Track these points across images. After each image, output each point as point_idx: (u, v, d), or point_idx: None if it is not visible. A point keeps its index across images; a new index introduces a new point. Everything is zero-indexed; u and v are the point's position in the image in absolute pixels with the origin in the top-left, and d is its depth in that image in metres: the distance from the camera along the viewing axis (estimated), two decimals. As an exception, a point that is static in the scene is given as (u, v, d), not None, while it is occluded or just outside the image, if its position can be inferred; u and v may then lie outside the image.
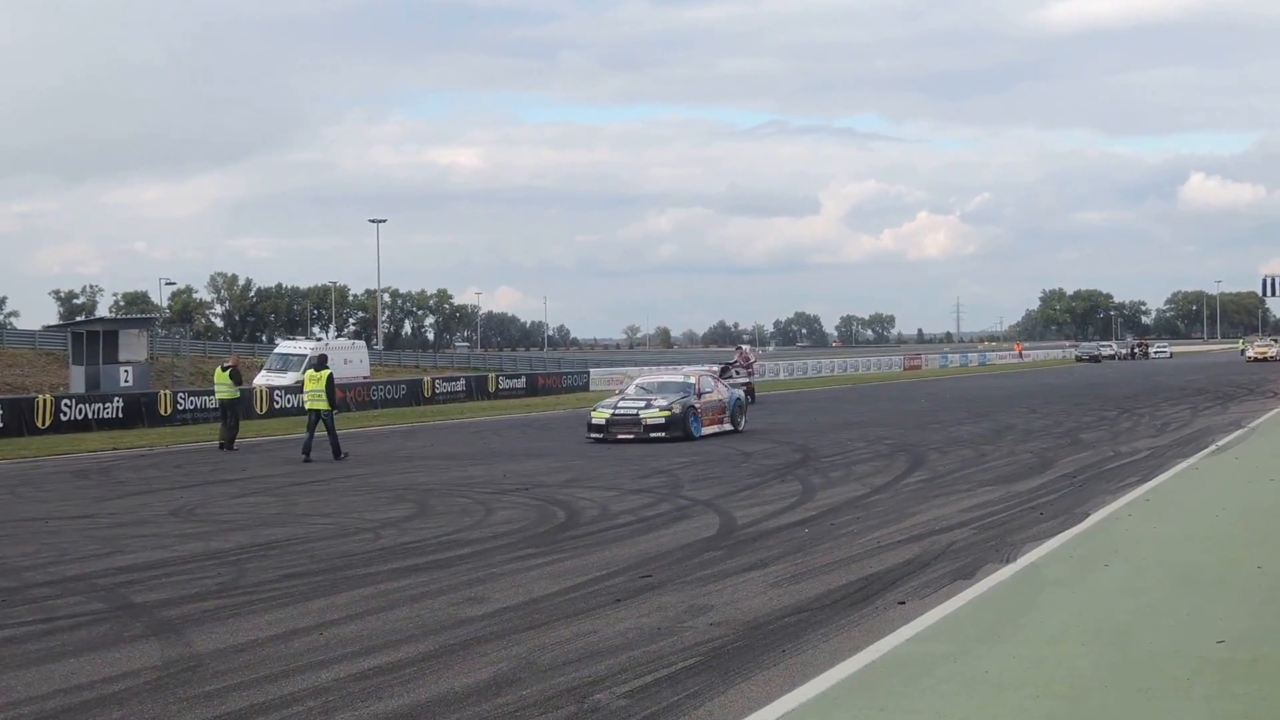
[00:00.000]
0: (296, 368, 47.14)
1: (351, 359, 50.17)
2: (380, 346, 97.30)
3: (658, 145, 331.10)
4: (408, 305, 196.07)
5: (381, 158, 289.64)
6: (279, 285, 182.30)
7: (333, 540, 11.65)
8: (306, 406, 21.40)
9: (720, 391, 24.44)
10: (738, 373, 35.89)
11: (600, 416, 22.81)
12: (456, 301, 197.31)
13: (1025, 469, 16.56)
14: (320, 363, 21.62)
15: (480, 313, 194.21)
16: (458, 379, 44.37)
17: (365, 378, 47.27)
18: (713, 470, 17.41)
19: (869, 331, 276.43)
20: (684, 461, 18.83)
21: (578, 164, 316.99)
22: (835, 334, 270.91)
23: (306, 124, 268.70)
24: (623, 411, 22.72)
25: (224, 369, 24.34)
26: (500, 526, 12.22)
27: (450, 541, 11.38)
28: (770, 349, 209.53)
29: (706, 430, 23.13)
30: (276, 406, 34.78)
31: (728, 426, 23.98)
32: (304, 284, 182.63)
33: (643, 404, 22.86)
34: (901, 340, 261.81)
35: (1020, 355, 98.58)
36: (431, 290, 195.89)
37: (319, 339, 61.85)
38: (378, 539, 11.67)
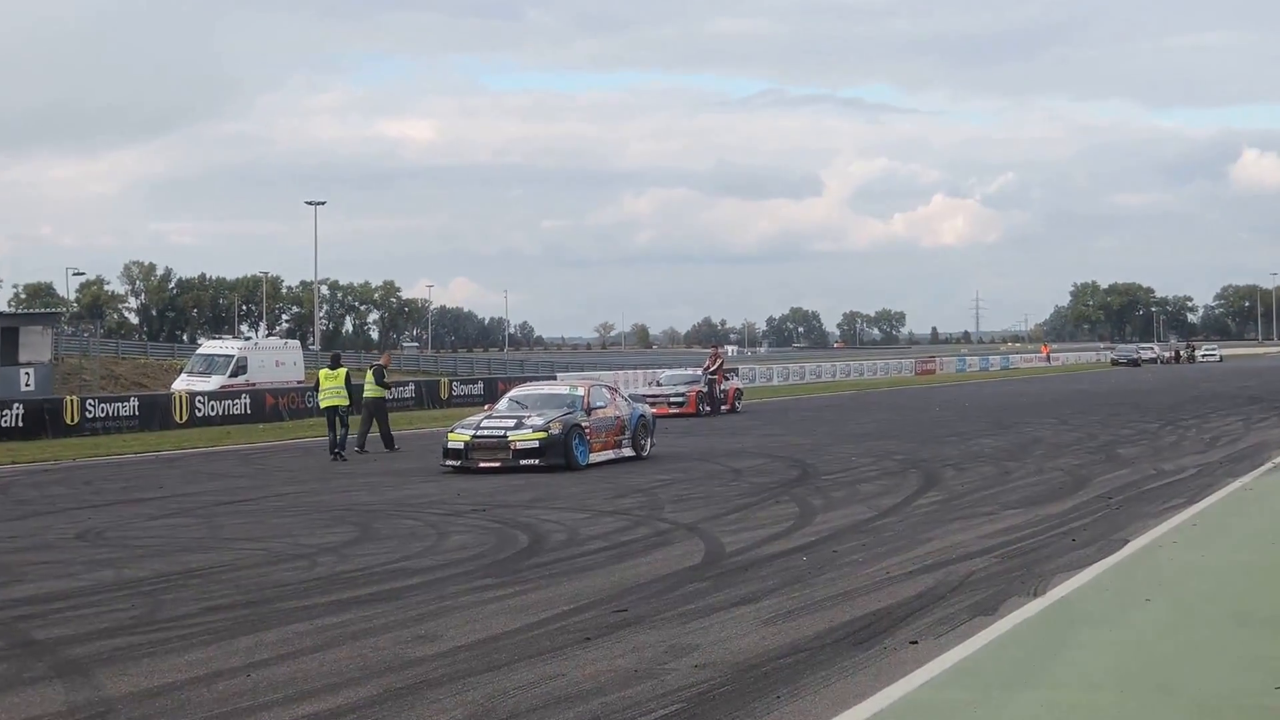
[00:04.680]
0: (223, 370, 47.04)
1: (283, 360, 49.98)
2: (317, 346, 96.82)
3: (637, 117, 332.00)
4: (349, 299, 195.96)
5: (322, 130, 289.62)
6: (203, 276, 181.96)
7: (262, 568, 11.60)
8: (323, 405, 24.20)
9: (618, 406, 22.57)
10: (706, 375, 37.50)
11: (459, 439, 20.70)
12: (405, 295, 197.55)
13: (1055, 489, 16.61)
14: (335, 360, 25.38)
15: (432, 308, 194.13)
16: (406, 384, 44.28)
17: (299, 382, 47.15)
18: (698, 489, 17.42)
19: (876, 331, 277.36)
20: (665, 479, 18.83)
21: (546, 138, 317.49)
22: (837, 333, 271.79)
23: (237, 92, 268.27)
24: (487, 432, 20.65)
25: (376, 369, 26.14)
26: (454, 553, 12.20)
27: (397, 570, 11.34)
28: (762, 350, 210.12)
29: (597, 457, 21.27)
30: (199, 414, 34.66)
31: (627, 452, 22.19)
32: (231, 274, 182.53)
33: (513, 422, 20.85)
34: (913, 341, 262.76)
35: (1048, 358, 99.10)
36: (377, 282, 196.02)
37: (248, 338, 61.65)
38: (314, 566, 11.62)
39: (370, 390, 25.60)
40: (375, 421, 25.45)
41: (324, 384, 24.36)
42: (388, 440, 25.21)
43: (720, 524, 13.80)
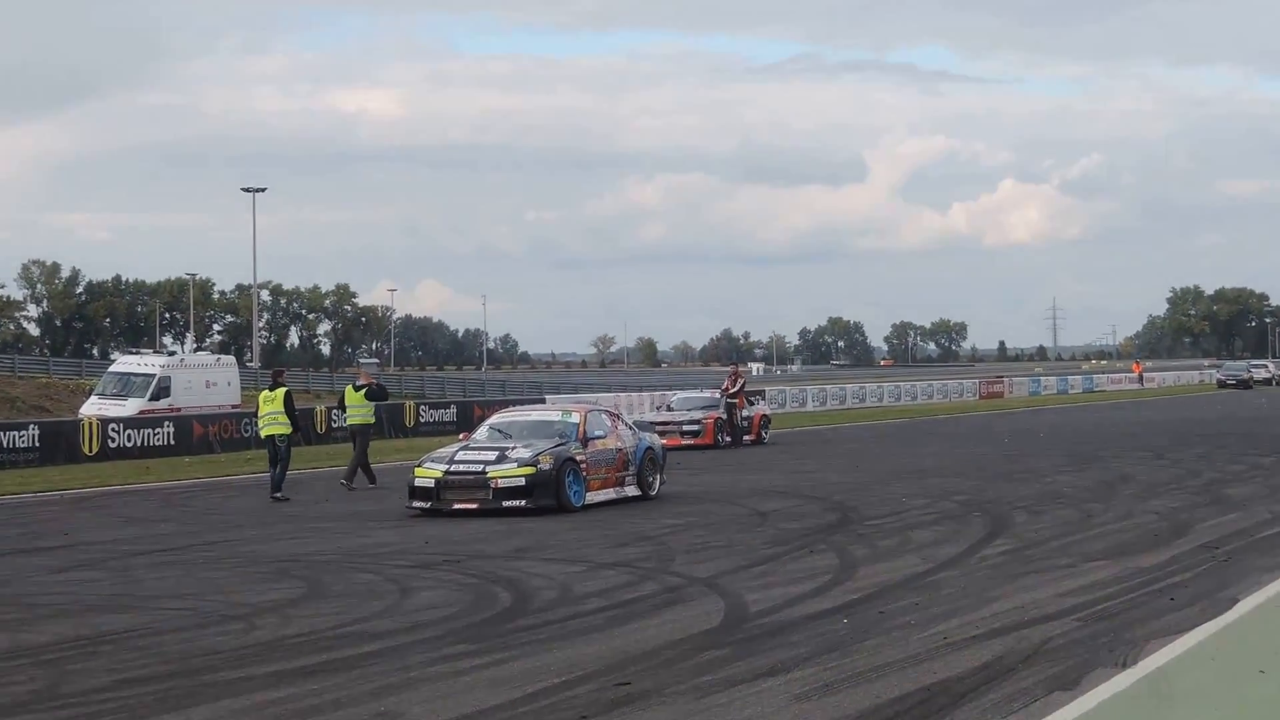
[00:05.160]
0: (141, 392, 47.07)
1: (215, 380, 49.99)
2: (256, 363, 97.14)
3: (643, 87, 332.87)
4: (295, 307, 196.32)
5: (263, 102, 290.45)
6: (118, 279, 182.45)
7: (189, 632, 11.61)
8: (262, 434, 24.58)
9: (620, 436, 22.61)
10: (725, 399, 37.75)
11: (428, 476, 20.70)
12: (362, 302, 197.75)
13: (1149, 536, 16.59)
14: (275, 379, 25.32)
15: (395, 317, 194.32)
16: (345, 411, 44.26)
17: (235, 406, 47.17)
18: (716, 536, 17.42)
19: (931, 345, 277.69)
20: (676, 524, 18.84)
21: (533, 112, 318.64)
22: (885, 349, 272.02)
23: (160, 56, 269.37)
24: (462, 467, 20.69)
25: (356, 388, 27.08)
26: (421, 613, 12.21)
27: (352, 634, 11.34)
28: (794, 369, 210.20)
29: (595, 496, 21.38)
30: (112, 445, 34.70)
31: (631, 491, 22.31)
32: (152, 277, 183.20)
33: (493, 455, 20.89)
34: (977, 357, 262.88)
35: (1140, 379, 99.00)
36: (328, 286, 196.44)
37: (172, 353, 61.53)
38: (251, 630, 11.62)
39: (357, 414, 26.63)
40: (357, 450, 26.23)
41: (262, 408, 24.49)
42: (353, 472, 25.79)
43: (743, 578, 13.79)
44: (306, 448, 35.77)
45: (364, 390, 26.81)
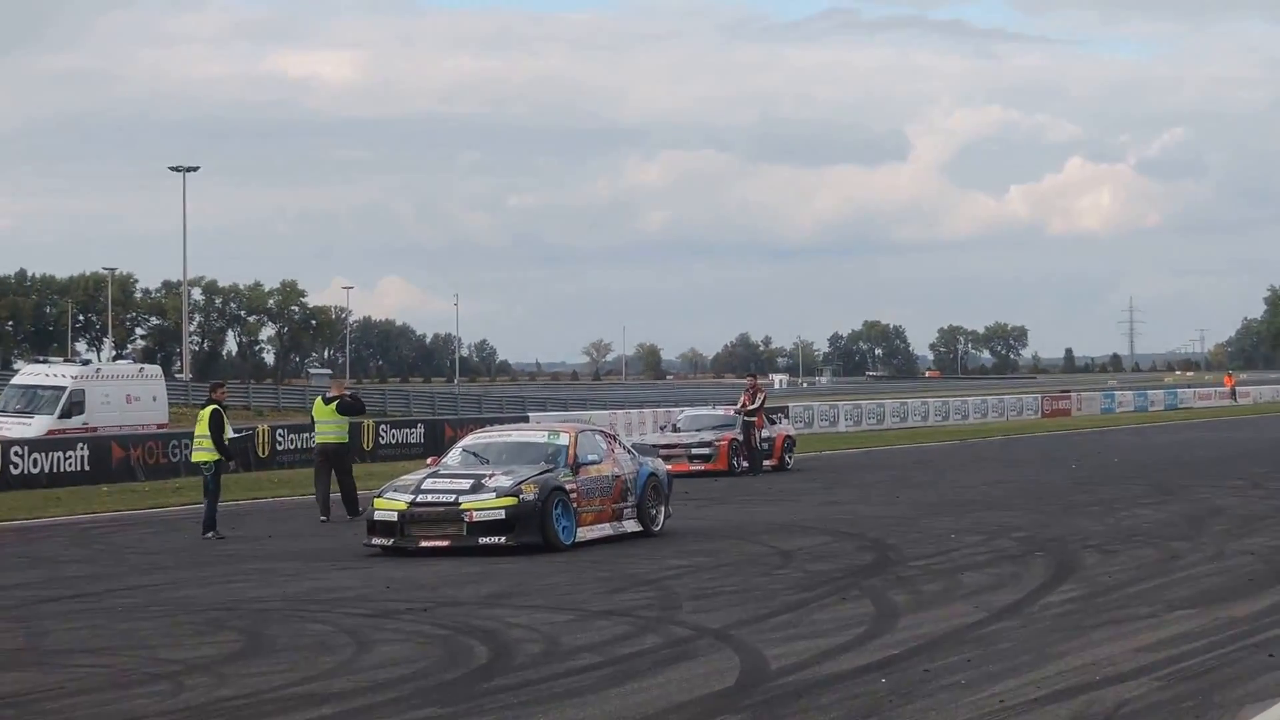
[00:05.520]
0: (50, 408, 47.06)
1: (138, 395, 49.97)
2: (187, 375, 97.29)
3: (646, 49, 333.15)
4: (233, 308, 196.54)
5: (194, 66, 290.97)
6: (21, 274, 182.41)
7: (107, 694, 11.58)
8: (193, 459, 24.70)
9: (618, 461, 22.79)
10: (742, 417, 37.83)
11: (390, 508, 20.79)
12: (313, 302, 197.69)
13: (1243, 581, 16.58)
14: (210, 394, 25.45)
15: (351, 320, 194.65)
16: (311, 429, 44.25)
17: (161, 426, 47.15)
18: (729, 579, 17.43)
19: (985, 354, 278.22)
20: (683, 565, 18.86)
21: (515, 79, 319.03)
22: (930, 358, 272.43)
23: (68, 10, 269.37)
24: (431, 498, 20.81)
25: (326, 401, 27.38)
26: (381, 671, 12.21)
27: (300, 696, 11.33)
28: (823, 380, 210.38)
29: (587, 533, 21.54)
30: (15, 471, 34.68)
31: (630, 526, 22.52)
32: (63, 272, 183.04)
33: (468, 483, 21.00)
34: (1039, 368, 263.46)
35: (1234, 393, 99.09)
36: (272, 283, 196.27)
37: (85, 361, 61.47)
38: (180, 691, 11.61)
39: (329, 430, 27.03)
40: (335, 475, 26.56)
41: (197, 429, 24.73)
42: (351, 503, 26.28)
43: (762, 630, 13.79)
44: (245, 474, 35.80)
45: (335, 403, 27.01)
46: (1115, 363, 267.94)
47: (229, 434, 24.48)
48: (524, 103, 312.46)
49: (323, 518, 25.85)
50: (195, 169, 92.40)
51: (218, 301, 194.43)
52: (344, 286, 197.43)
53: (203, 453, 24.17)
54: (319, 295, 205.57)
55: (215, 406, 24.46)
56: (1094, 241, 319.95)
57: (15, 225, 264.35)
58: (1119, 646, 12.69)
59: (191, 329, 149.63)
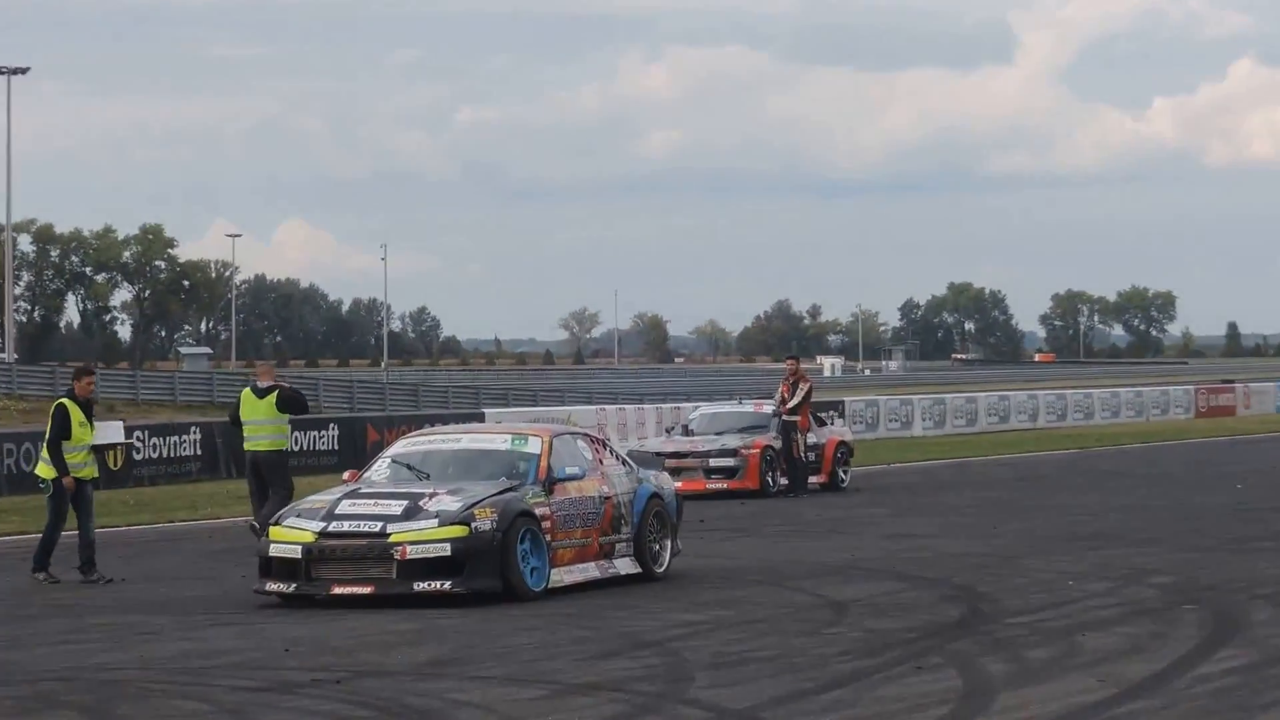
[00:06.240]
0: None
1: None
2: (10, 354, 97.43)
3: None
4: (75, 262, 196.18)
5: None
6: None
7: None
8: (36, 471, 24.43)
9: (608, 477, 23.02)
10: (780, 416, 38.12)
11: (292, 539, 20.95)
12: (186, 255, 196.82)
13: None
14: (75, 379, 25.01)
15: (239, 279, 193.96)
16: (183, 430, 44.61)
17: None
18: (760, 641, 17.51)
19: (1117, 330, 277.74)
20: (696, 621, 18.96)
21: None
22: (1041, 335, 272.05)
23: None
24: (349, 527, 20.95)
25: (259, 393, 27.64)
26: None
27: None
28: (892, 366, 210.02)
29: (566, 574, 21.79)
30: None
31: (624, 566, 22.81)
32: None
33: (399, 507, 21.12)
34: (1191, 349, 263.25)
35: None
36: (130, 229, 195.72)
37: None
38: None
39: (264, 434, 27.30)
40: (270, 488, 26.83)
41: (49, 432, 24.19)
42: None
43: (806, 713, 13.85)
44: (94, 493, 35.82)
45: (271, 395, 27.19)
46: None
47: (79, 441, 23.83)
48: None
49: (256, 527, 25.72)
50: (23, 71, 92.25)
51: (53, 254, 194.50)
52: (229, 234, 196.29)
53: (40, 465, 24.18)
54: (194, 246, 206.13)
55: (59, 401, 24.25)
56: (1268, 177, 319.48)
57: None
58: (1297, 735, 12.82)
59: (17, 292, 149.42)
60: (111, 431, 24.95)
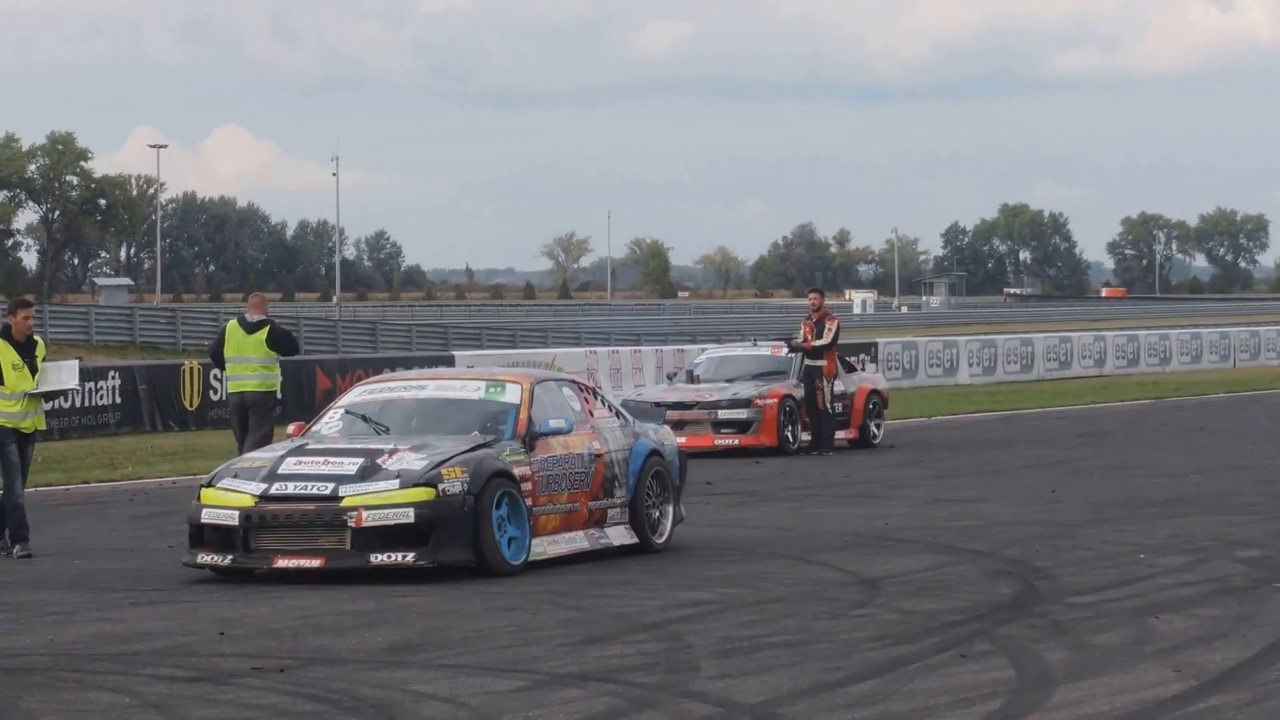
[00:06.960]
0: None
1: None
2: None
3: None
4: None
5: None
6: None
7: None
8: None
9: (599, 431, 23.30)
10: (795, 350, 38.94)
11: (228, 503, 21.04)
12: (102, 169, 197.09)
13: None
14: (12, 313, 24.53)
15: (165, 199, 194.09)
16: (100, 375, 44.90)
17: None
18: (777, 624, 17.58)
19: (1199, 260, 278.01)
20: (702, 600, 19.06)
21: None
22: (1108, 266, 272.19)
23: None
24: (294, 489, 21.10)
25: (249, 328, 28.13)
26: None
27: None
28: (933, 303, 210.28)
29: (550, 545, 21.96)
30: None
31: (617, 535, 23.06)
32: None
33: (354, 465, 21.26)
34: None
35: None
36: (36, 138, 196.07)
37: None
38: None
39: (251, 373, 27.84)
40: (252, 435, 27.56)
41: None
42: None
43: (831, 708, 13.86)
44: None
45: (263, 331, 27.56)
46: None
47: (15, 389, 23.66)
48: None
49: None
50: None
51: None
52: (152, 145, 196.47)
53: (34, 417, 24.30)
54: (111, 158, 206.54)
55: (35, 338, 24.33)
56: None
57: None
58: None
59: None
60: (64, 374, 24.34)
